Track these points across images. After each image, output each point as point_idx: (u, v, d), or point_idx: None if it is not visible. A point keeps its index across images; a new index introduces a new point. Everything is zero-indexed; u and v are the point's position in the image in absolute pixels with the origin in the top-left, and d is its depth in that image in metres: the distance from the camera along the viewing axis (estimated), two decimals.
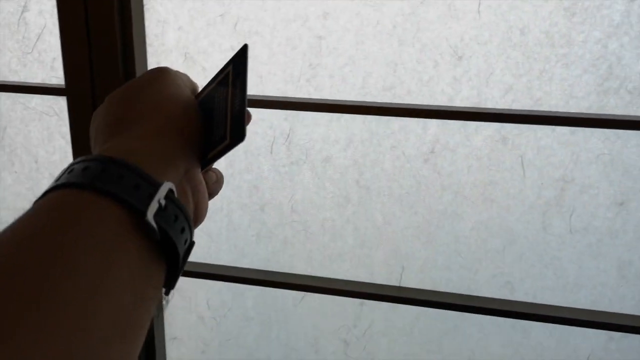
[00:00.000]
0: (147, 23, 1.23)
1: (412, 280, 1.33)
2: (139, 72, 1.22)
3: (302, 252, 1.38)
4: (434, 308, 1.33)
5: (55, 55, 1.32)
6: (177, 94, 0.58)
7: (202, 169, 0.56)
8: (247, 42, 1.20)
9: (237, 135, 0.52)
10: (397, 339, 1.42)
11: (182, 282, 1.49)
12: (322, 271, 1.38)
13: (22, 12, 1.32)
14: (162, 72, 0.60)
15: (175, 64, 1.24)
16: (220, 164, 1.32)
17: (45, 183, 1.48)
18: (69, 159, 1.38)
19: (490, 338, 1.37)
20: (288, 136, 1.26)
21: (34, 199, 1.50)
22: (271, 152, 1.28)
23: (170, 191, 0.46)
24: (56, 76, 1.35)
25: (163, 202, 0.45)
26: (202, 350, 1.56)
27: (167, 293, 0.50)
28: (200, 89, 0.62)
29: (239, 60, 0.58)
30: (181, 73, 0.63)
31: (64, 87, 1.30)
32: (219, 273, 1.41)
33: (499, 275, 1.29)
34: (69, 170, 0.45)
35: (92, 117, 0.59)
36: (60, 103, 1.37)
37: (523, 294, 1.31)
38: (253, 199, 1.34)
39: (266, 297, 1.47)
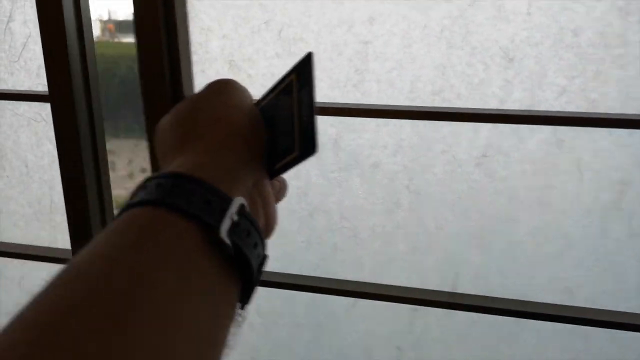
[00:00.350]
0: (190, 31, 1.27)
1: (466, 287, 1.36)
2: (185, 81, 1.27)
3: (352, 258, 1.42)
4: (489, 314, 1.36)
5: (40, 63, 1.40)
6: (242, 104, 0.59)
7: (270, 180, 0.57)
8: (292, 49, 1.23)
9: (308, 148, 0.52)
10: (451, 345, 1.45)
11: None
12: (372, 277, 1.41)
13: (8, 22, 1.42)
14: (226, 84, 0.61)
15: (221, 72, 1.29)
16: None
17: (36, 187, 1.58)
18: (57, 163, 1.46)
19: (549, 345, 1.38)
20: (335, 142, 1.30)
21: (25, 203, 1.60)
22: (319, 159, 1.32)
23: (242, 206, 0.48)
24: (42, 83, 1.43)
25: (236, 217, 0.46)
26: (251, 357, 1.61)
27: (242, 308, 0.51)
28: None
29: (304, 69, 0.59)
30: (242, 85, 0.65)
31: (47, 93, 1.39)
32: (268, 280, 1.45)
33: (556, 280, 1.31)
34: (143, 187, 0.47)
35: (157, 130, 0.61)
36: (47, 109, 1.45)
37: (582, 299, 1.32)
38: (302, 205, 1.38)
39: (317, 304, 1.51)
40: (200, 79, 1.30)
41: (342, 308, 1.50)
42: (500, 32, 1.12)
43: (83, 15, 1.37)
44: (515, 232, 1.28)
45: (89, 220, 1.48)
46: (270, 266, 1.47)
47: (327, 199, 1.36)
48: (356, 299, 1.46)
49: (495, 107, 1.19)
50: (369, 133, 1.27)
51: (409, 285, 1.41)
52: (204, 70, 1.30)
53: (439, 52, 1.16)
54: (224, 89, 0.61)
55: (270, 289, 1.52)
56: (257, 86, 1.26)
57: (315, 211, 1.39)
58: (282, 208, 1.44)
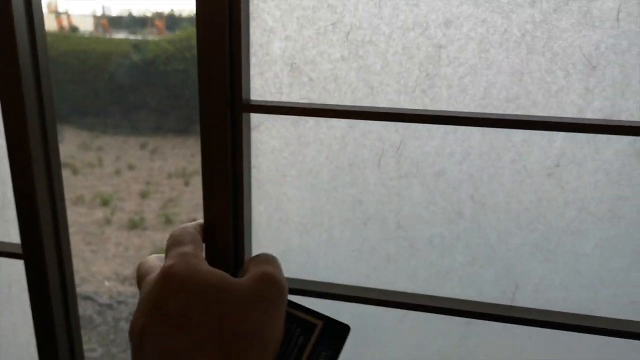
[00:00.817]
0: (252, 32, 1.23)
1: (525, 300, 1.32)
2: (244, 85, 1.22)
3: (406, 269, 1.37)
4: (546, 328, 1.32)
5: None
6: (280, 325, 0.59)
7: None
8: (360, 52, 1.19)
9: None
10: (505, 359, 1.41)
11: None
12: (426, 289, 1.37)
13: None
14: (280, 296, 0.62)
15: (280, 75, 1.24)
16: (322, 177, 1.31)
17: None
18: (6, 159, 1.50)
19: None
20: (398, 149, 1.25)
21: None
22: (379, 166, 1.28)
23: None
24: None
25: None
26: None
27: None
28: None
29: (334, 337, 0.57)
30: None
31: None
32: (315, 290, 1.41)
33: (621, 295, 1.27)
34: None
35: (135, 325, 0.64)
36: None
37: None
38: (356, 213, 1.34)
39: (364, 316, 1.46)
40: (259, 81, 1.26)
41: (390, 321, 1.45)
42: (585, 38, 1.08)
43: (35, 15, 1.37)
44: (583, 244, 1.24)
45: (38, 215, 1.47)
46: (317, 276, 1.43)
47: (383, 207, 1.32)
48: (406, 310, 1.42)
49: (572, 116, 1.15)
50: (435, 140, 1.23)
51: (465, 298, 1.37)
52: (263, 72, 1.26)
53: (518, 58, 1.12)
54: (271, 305, 0.60)
55: (314, 299, 1.48)
56: (319, 90, 1.22)
57: (370, 220, 1.34)
58: (334, 216, 1.40)
